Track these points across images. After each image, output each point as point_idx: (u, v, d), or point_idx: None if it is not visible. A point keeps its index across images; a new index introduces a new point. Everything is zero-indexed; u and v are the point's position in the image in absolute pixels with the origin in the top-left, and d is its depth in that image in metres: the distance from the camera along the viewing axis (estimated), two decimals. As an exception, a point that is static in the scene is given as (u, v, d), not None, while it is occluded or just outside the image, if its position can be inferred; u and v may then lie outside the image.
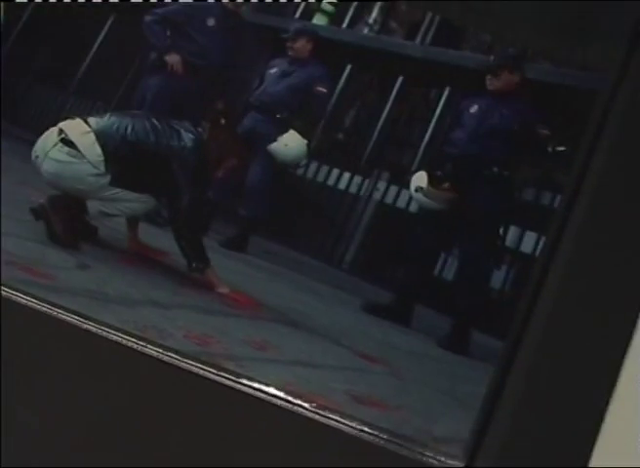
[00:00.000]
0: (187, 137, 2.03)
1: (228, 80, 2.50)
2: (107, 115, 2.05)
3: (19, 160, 2.03)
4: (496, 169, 2.11)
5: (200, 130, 2.07)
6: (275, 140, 2.35)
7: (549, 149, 2.17)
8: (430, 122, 2.38)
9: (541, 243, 1.96)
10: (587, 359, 1.66)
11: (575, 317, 1.71)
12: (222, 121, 2.15)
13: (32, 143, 2.02)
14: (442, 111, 2.40)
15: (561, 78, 2.26)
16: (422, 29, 2.53)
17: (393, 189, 2.31)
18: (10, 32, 2.48)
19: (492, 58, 2.27)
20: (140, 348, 1.62)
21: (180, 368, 1.61)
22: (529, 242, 2.05)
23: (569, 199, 1.86)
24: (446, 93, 2.43)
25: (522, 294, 1.76)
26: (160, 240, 2.02)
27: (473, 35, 2.52)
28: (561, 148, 2.16)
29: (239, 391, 1.59)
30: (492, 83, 2.21)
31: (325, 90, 2.44)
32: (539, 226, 2.03)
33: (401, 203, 2.28)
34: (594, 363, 1.66)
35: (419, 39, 2.53)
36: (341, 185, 2.40)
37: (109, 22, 2.64)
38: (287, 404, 1.58)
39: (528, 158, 2.18)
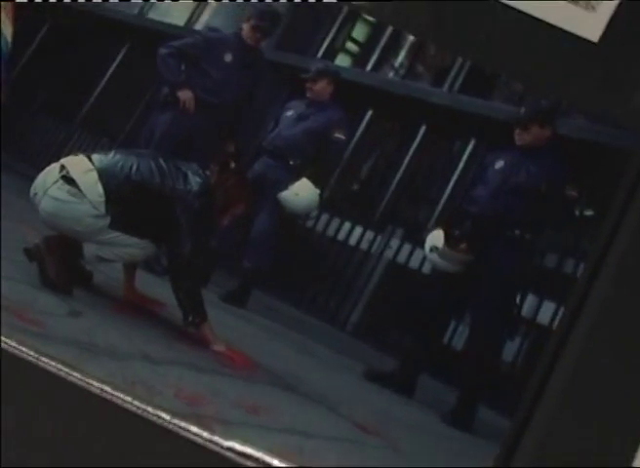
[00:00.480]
0: (194, 181, 2.05)
1: (241, 120, 2.54)
2: (112, 153, 2.09)
3: (16, 196, 2.08)
4: (517, 231, 2.13)
5: (208, 173, 2.09)
6: (286, 188, 2.38)
7: (576, 213, 2.18)
8: (452, 176, 2.40)
9: (560, 314, 1.97)
10: (600, 444, 1.67)
11: (589, 397, 1.72)
12: (232, 165, 2.18)
13: (32, 179, 2.06)
14: (465, 165, 2.42)
15: (595, 135, 2.27)
16: (451, 76, 2.55)
17: (407, 247, 2.32)
18: (18, 59, 2.54)
19: (522, 110, 2.28)
20: (126, 405, 1.65)
21: (167, 429, 1.64)
22: (546, 312, 2.06)
23: (593, 268, 1.87)
24: (471, 145, 2.44)
25: (535, 370, 1.78)
26: (157, 289, 2.06)
27: (505, 84, 2.54)
28: (589, 213, 2.17)
29: (227, 457, 1.62)
30: (521, 137, 2.23)
31: (343, 136, 2.45)
32: (558, 296, 2.03)
33: (414, 263, 2.30)
34: (607, 448, 1.67)
35: (446, 86, 2.54)
36: (352, 240, 2.42)
37: (122, 54, 2.69)
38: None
39: (553, 221, 2.20)
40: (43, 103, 2.60)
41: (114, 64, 2.64)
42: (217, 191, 2.08)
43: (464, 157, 2.41)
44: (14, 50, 2.44)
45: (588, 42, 2.04)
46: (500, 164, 2.24)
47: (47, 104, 2.60)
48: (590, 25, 2.06)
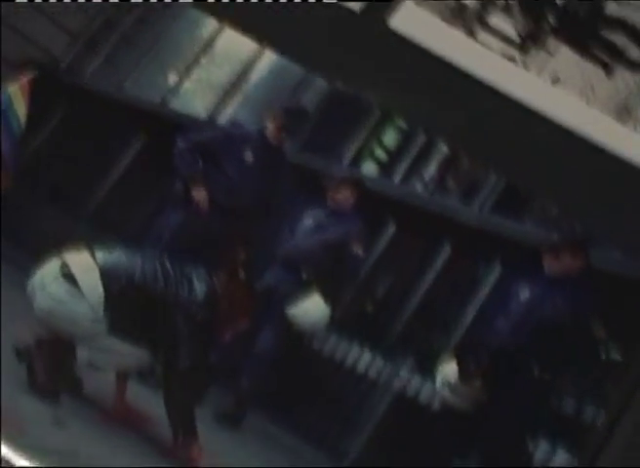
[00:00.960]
0: (199, 289, 2.08)
1: (256, 225, 2.58)
2: (117, 250, 2.15)
3: (12, 288, 2.14)
4: (536, 370, 2.13)
5: (215, 280, 2.13)
6: (296, 304, 2.42)
7: (602, 355, 2.19)
8: (472, 303, 2.42)
9: (574, 465, 1.99)
10: None
11: None
12: (242, 274, 2.21)
13: (29, 270, 2.10)
14: (489, 293, 2.44)
15: (629, 270, 2.30)
16: (483, 193, 2.59)
17: (416, 379, 2.34)
18: (29, 143, 2.62)
19: (555, 236, 2.31)
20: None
21: None
22: (559, 462, 2.07)
23: (614, 417, 1.89)
24: (496, 271, 2.47)
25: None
26: (148, 402, 2.09)
27: (538, 207, 2.58)
28: (616, 357, 2.18)
29: None
30: (550, 265, 2.25)
31: (361, 252, 2.48)
32: (574, 445, 2.05)
33: (423, 397, 2.31)
34: None
35: (476, 205, 2.59)
36: (360, 367, 2.43)
37: (137, 146, 2.76)
38: None
39: (575, 362, 2.20)
40: (49, 191, 2.67)
41: (128, 157, 2.72)
42: (221, 302, 2.11)
43: (488, 283, 2.43)
44: (26, 132, 2.53)
45: (633, 167, 2.06)
46: (525, 295, 2.25)
47: (53, 193, 2.67)
48: (637, 148, 2.09)
